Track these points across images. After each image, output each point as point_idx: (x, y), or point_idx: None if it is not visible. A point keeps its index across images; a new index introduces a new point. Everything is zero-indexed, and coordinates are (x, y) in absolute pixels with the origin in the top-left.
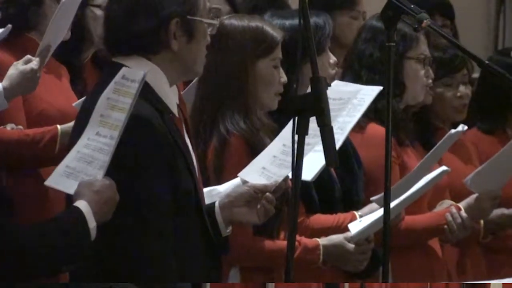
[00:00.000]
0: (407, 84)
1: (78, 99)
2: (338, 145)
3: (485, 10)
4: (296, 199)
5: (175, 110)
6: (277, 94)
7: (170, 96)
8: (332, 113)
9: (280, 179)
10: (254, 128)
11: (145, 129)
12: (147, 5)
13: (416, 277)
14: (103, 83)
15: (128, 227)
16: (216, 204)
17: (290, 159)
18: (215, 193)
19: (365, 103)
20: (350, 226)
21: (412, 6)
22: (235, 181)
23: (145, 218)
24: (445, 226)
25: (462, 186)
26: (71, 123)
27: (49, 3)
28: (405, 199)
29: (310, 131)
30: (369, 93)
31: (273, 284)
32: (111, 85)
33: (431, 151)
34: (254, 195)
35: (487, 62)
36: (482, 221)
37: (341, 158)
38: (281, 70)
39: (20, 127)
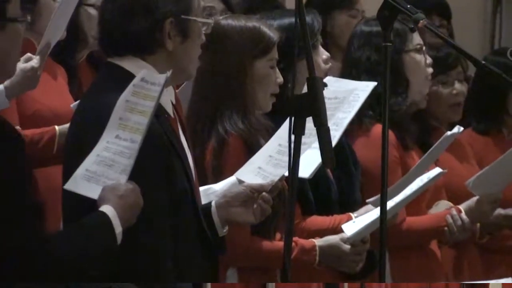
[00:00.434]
0: (411, 79)
1: (73, 99)
2: (334, 141)
3: (482, 10)
4: (293, 200)
5: (170, 110)
6: (273, 94)
7: (165, 97)
8: (328, 112)
9: (276, 178)
10: (253, 129)
11: None
12: (141, 5)
13: (415, 277)
14: (99, 83)
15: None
16: (213, 204)
17: (286, 158)
18: (211, 192)
19: (360, 99)
20: (344, 227)
21: (408, 6)
22: (231, 180)
23: (143, 218)
24: (445, 228)
25: (458, 185)
26: (68, 124)
27: (44, 1)
28: (401, 200)
29: (306, 131)
30: (363, 88)
31: (274, 284)
32: (130, 87)
33: (428, 152)
34: (251, 195)
35: (483, 62)
36: None
37: (338, 159)
38: (277, 70)
39: (18, 127)
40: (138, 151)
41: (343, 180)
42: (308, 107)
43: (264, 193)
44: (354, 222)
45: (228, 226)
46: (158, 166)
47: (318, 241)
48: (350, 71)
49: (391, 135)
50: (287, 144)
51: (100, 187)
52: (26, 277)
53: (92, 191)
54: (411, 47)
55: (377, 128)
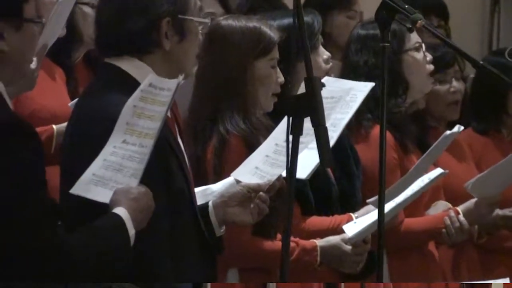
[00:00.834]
0: (411, 78)
1: (70, 99)
2: (332, 142)
3: (480, 10)
4: (291, 200)
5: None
6: (274, 94)
7: None
8: (325, 112)
9: (273, 178)
10: (254, 129)
11: None
12: (138, 5)
13: (413, 278)
14: (97, 84)
15: None
16: (210, 204)
17: (282, 158)
18: (209, 192)
19: (357, 99)
20: (345, 227)
21: (406, 6)
22: (229, 180)
23: None
24: (443, 230)
25: (456, 186)
26: (66, 124)
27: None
28: (402, 201)
29: (303, 131)
30: (361, 89)
31: (274, 284)
32: (137, 92)
33: (427, 152)
34: (248, 194)
35: (481, 62)
36: None
37: (338, 159)
38: (278, 70)
39: None
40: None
41: (344, 180)
42: (306, 107)
43: (261, 193)
44: (355, 222)
45: (226, 226)
46: (157, 166)
47: (319, 242)
48: (349, 75)
49: (389, 136)
50: (283, 144)
51: (108, 191)
52: (41, 277)
53: (101, 195)
54: (410, 46)
55: (377, 130)
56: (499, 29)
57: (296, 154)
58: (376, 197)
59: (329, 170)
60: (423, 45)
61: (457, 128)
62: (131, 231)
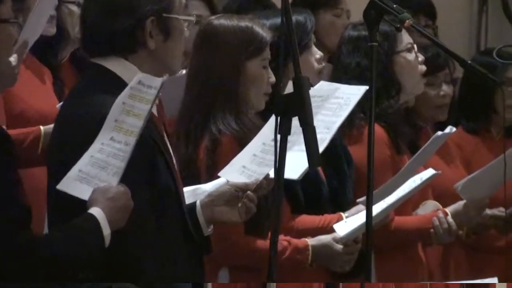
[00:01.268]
0: (403, 79)
1: (56, 99)
2: (324, 144)
3: (468, 10)
4: (279, 199)
5: (154, 109)
6: (266, 94)
7: None
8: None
9: (260, 177)
10: (246, 128)
11: None
12: (122, 5)
13: (399, 278)
14: (83, 84)
15: None
16: (197, 203)
17: (270, 157)
18: (199, 192)
19: (351, 102)
20: (335, 227)
21: (394, 6)
22: (220, 181)
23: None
24: (432, 230)
25: (444, 186)
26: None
27: (32, 1)
28: (394, 202)
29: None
30: (355, 92)
31: (274, 284)
32: (127, 90)
33: (419, 152)
34: (235, 193)
35: (469, 62)
36: None
37: (329, 158)
38: (270, 70)
39: (4, 127)
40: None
41: (334, 179)
42: (293, 106)
43: (248, 192)
44: (345, 222)
45: (214, 226)
46: (142, 165)
47: (311, 241)
48: (340, 77)
49: (383, 134)
50: (271, 143)
51: (91, 188)
52: (13, 276)
53: (83, 192)
54: (402, 48)
55: None
56: (487, 28)
57: (284, 154)
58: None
59: (319, 169)
60: (415, 46)
61: (449, 129)
62: (106, 231)
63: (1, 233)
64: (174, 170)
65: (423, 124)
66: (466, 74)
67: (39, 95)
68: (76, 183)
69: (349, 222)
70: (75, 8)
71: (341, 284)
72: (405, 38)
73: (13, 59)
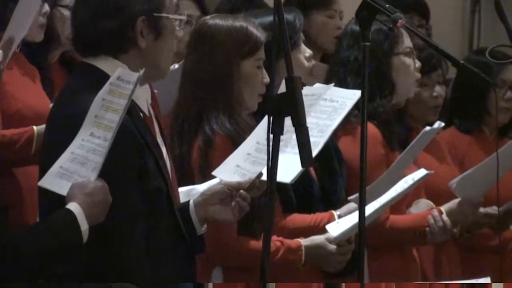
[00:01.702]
0: (398, 81)
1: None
2: (318, 148)
3: (460, 10)
4: (271, 199)
5: (145, 109)
6: (260, 94)
7: (141, 95)
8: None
9: (254, 176)
10: (239, 129)
11: None
12: (112, 5)
13: (392, 278)
14: (73, 83)
15: (97, 229)
16: (191, 202)
17: (263, 156)
18: (194, 193)
19: (346, 106)
20: (328, 227)
21: (387, 5)
22: (215, 181)
23: (113, 217)
24: (427, 228)
25: (437, 185)
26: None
27: None
28: (386, 202)
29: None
30: (350, 96)
31: (274, 284)
32: (106, 86)
33: (408, 147)
34: (228, 192)
35: (462, 61)
36: None
37: (321, 157)
38: (264, 71)
39: None
40: (111, 149)
41: (326, 178)
42: (286, 106)
43: (242, 191)
44: (338, 222)
45: (208, 225)
46: (130, 165)
47: (304, 241)
48: (338, 71)
49: (377, 133)
50: (264, 142)
51: (71, 184)
52: None
53: (63, 188)
54: (401, 50)
55: None
56: (480, 28)
57: (277, 153)
58: (357, 195)
59: (311, 168)
60: (414, 52)
61: (438, 124)
62: (84, 226)
63: None
64: (165, 170)
65: (415, 125)
66: (459, 74)
67: (33, 94)
68: (57, 179)
69: (342, 223)
70: (67, 13)
71: (343, 284)
72: (406, 42)
73: None
